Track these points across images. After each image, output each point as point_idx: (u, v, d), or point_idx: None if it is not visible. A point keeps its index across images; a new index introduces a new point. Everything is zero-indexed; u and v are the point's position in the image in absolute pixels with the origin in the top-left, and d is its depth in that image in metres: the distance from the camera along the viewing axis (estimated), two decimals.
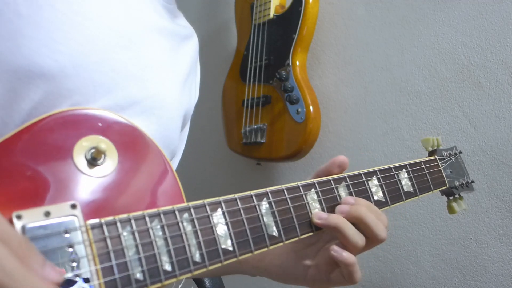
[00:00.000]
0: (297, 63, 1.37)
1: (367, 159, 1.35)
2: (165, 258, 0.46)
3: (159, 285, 0.45)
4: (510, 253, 1.12)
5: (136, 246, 0.45)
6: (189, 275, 0.47)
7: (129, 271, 0.43)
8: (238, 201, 0.53)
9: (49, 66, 0.54)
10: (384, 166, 0.72)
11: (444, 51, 1.21)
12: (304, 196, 0.60)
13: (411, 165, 0.76)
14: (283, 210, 0.57)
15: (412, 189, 0.74)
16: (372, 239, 0.63)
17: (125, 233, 0.44)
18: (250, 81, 1.48)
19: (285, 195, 0.58)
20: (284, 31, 1.40)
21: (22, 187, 0.44)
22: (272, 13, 1.44)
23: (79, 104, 0.56)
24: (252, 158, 1.51)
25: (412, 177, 0.75)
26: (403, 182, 0.73)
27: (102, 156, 0.49)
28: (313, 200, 0.61)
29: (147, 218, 0.46)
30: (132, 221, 0.45)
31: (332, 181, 0.64)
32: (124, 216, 0.45)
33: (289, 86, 1.34)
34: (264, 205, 0.55)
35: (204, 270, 0.48)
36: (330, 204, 0.63)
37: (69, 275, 0.40)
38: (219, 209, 0.51)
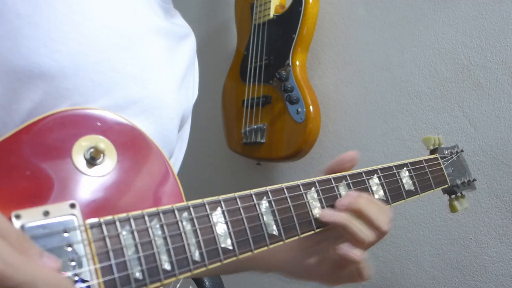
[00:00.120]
0: (297, 63, 1.37)
1: (367, 159, 1.35)
2: (164, 257, 0.46)
3: (158, 284, 0.45)
4: (510, 253, 1.12)
5: (135, 245, 0.44)
6: (188, 274, 0.47)
7: (128, 270, 0.43)
8: (238, 200, 0.53)
9: (48, 66, 0.54)
10: (385, 165, 0.72)
11: (444, 51, 1.21)
12: (304, 195, 0.60)
13: (412, 163, 0.76)
14: (283, 209, 0.57)
15: (413, 188, 0.74)
16: (375, 232, 0.62)
17: (124, 232, 0.44)
18: (250, 81, 1.48)
19: (285, 194, 0.58)
20: (284, 31, 1.40)
21: (21, 187, 0.44)
22: (272, 13, 1.44)
23: (79, 104, 0.56)
24: (252, 158, 1.51)
25: (413, 176, 0.75)
26: (404, 181, 0.73)
27: (101, 155, 0.49)
28: (313, 199, 0.61)
29: (146, 217, 0.46)
30: (131, 220, 0.45)
31: (332, 180, 0.64)
32: (123, 215, 0.45)
33: (289, 86, 1.34)
34: (264, 204, 0.55)
35: (203, 269, 0.48)
36: (331, 202, 0.62)
37: (69, 274, 0.40)
38: (219, 208, 0.51)
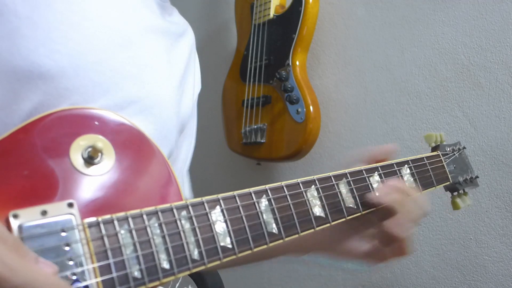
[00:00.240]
0: (297, 63, 1.37)
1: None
2: (163, 256, 0.46)
3: (157, 283, 0.45)
4: (510, 253, 1.11)
5: (134, 244, 0.44)
6: (187, 272, 0.47)
7: (126, 269, 0.43)
8: (237, 198, 0.53)
9: (47, 66, 0.54)
10: (386, 162, 0.72)
11: (444, 51, 1.21)
12: (304, 193, 0.60)
13: (413, 160, 0.76)
14: (283, 207, 0.57)
15: (414, 185, 0.73)
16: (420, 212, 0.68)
17: (122, 231, 0.44)
18: (250, 81, 1.48)
19: (285, 192, 0.58)
20: (284, 31, 1.40)
21: (19, 186, 0.44)
22: (272, 13, 1.44)
23: (78, 104, 0.56)
24: (252, 158, 1.50)
25: (415, 173, 0.74)
26: (405, 178, 0.72)
27: (99, 154, 0.49)
28: (313, 197, 0.60)
29: (144, 216, 0.46)
30: (130, 219, 0.45)
31: (332, 178, 0.64)
32: (121, 214, 0.45)
33: (289, 86, 1.34)
34: (264, 202, 0.55)
35: (203, 268, 0.48)
36: (331, 200, 0.62)
37: (67, 273, 0.40)
38: (218, 207, 0.51)
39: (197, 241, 0.48)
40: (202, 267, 0.48)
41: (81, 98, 0.57)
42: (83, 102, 0.57)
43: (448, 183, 0.81)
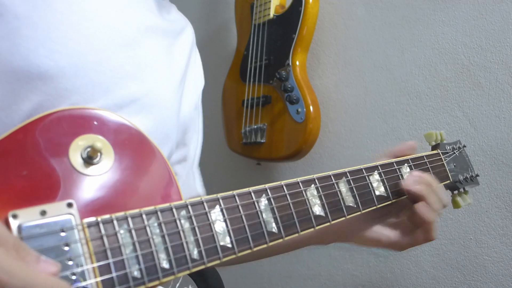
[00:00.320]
0: (297, 63, 1.37)
1: (367, 159, 1.34)
2: (162, 256, 0.46)
3: (156, 283, 0.45)
4: (510, 253, 1.11)
5: (133, 244, 0.44)
6: (187, 272, 0.47)
7: (126, 269, 0.43)
8: (237, 197, 0.53)
9: (47, 67, 0.54)
10: (386, 161, 0.72)
11: (444, 51, 1.21)
12: (303, 192, 0.60)
13: (413, 159, 0.76)
14: (283, 207, 0.57)
15: None
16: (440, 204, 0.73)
17: (122, 231, 0.44)
18: (250, 81, 1.48)
19: (284, 191, 0.58)
20: (284, 31, 1.39)
21: (18, 186, 0.44)
22: (272, 13, 1.44)
23: (78, 104, 0.56)
24: (252, 158, 1.50)
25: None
26: (405, 177, 0.72)
27: (98, 154, 0.49)
28: (313, 196, 0.60)
29: (144, 216, 0.46)
30: (129, 219, 0.45)
31: (332, 177, 0.64)
32: (120, 214, 0.45)
33: (289, 86, 1.34)
34: (263, 201, 0.55)
35: (202, 267, 0.48)
36: (331, 200, 0.62)
37: (66, 273, 0.40)
38: (217, 206, 0.51)
39: (196, 240, 0.48)
40: (202, 267, 0.48)
41: (81, 98, 0.57)
42: (83, 102, 0.57)
43: (448, 181, 0.81)
